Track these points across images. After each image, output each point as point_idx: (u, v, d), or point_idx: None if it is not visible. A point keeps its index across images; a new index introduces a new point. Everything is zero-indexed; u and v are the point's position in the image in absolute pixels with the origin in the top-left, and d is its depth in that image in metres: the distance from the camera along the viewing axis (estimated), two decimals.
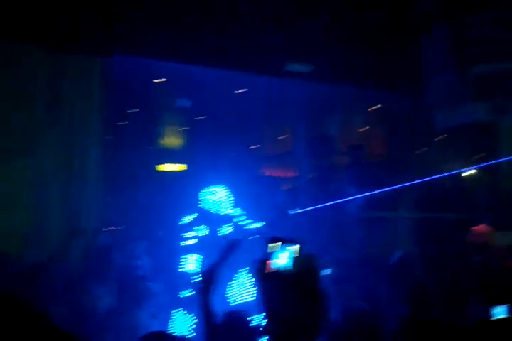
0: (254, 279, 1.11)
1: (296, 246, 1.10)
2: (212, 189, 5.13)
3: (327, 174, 7.22)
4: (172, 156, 9.40)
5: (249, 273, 4.78)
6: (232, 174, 7.61)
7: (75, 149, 5.59)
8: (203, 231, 4.85)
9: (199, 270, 4.53)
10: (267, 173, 9.46)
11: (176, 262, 4.94)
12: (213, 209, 4.93)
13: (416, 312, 3.10)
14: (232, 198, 5.05)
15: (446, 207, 5.77)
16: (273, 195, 7.58)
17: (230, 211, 5.04)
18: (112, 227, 7.35)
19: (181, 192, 7.68)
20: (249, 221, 5.06)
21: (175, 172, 9.34)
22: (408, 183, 5.41)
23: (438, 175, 5.50)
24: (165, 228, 6.22)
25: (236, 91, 6.92)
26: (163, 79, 6.72)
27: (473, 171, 5.04)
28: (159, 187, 8.37)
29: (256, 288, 1.10)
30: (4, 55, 5.05)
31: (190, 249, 4.88)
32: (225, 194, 5.01)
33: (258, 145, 9.25)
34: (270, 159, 9.67)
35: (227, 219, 5.03)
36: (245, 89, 7.04)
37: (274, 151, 9.58)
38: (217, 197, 4.99)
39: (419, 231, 5.91)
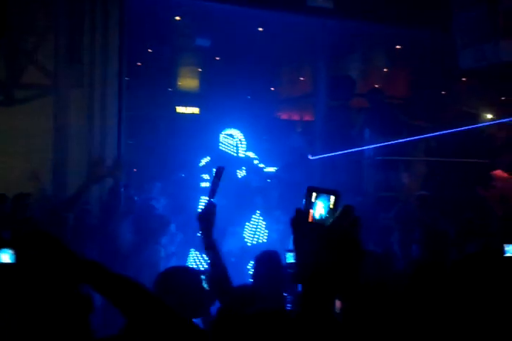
0: (292, 227, 1.08)
1: (332, 197, 1.07)
2: (229, 132, 5.11)
3: (346, 117, 7.11)
4: (189, 98, 9.35)
5: (262, 215, 4.84)
6: (249, 117, 7.57)
7: (95, 89, 5.56)
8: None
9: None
10: (284, 116, 9.39)
11: (193, 203, 5.05)
12: (229, 152, 4.95)
13: (431, 255, 3.12)
14: (247, 141, 5.03)
15: (465, 152, 5.70)
16: (289, 138, 7.54)
17: (246, 154, 5.05)
18: (133, 169, 7.51)
19: (198, 134, 7.72)
20: (263, 165, 5.08)
21: (192, 114, 9.33)
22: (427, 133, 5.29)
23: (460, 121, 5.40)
24: (184, 169, 6.31)
25: (257, 29, 6.69)
26: (180, 17, 6.53)
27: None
28: (177, 128, 8.40)
29: (292, 236, 1.10)
30: None
31: (206, 191, 4.94)
32: (241, 137, 5.00)
33: (274, 88, 9.12)
34: (288, 101, 9.55)
35: (242, 161, 5.04)
36: (263, 28, 6.81)
37: (292, 93, 9.43)
38: (233, 139, 4.98)
39: (438, 176, 5.88)
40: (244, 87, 8.13)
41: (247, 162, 5.12)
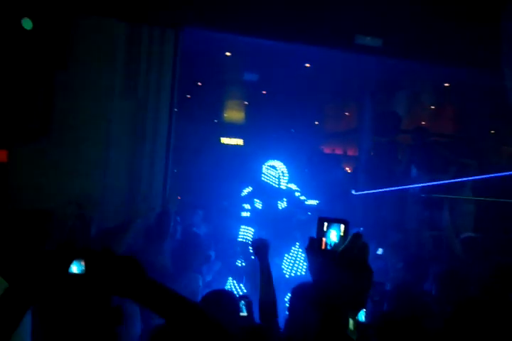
0: (306, 255, 1.21)
1: (342, 226, 1.19)
2: (271, 163, 5.16)
3: (390, 153, 7.05)
4: (234, 130, 9.55)
5: (301, 248, 4.82)
6: (292, 149, 7.63)
7: (147, 122, 5.78)
8: (258, 204, 4.93)
9: (250, 241, 4.63)
10: (328, 150, 9.41)
11: (233, 232, 5.08)
12: (271, 183, 4.98)
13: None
14: (290, 173, 5.05)
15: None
16: (332, 172, 7.51)
17: (288, 186, 5.07)
18: (178, 196, 7.65)
19: (241, 165, 7.82)
20: (304, 197, 5.06)
21: (236, 145, 9.51)
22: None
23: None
24: (227, 198, 6.38)
25: (304, 65, 6.84)
26: (230, 53, 6.78)
27: None
28: (221, 159, 8.56)
29: (307, 263, 1.20)
30: (88, 29, 5.28)
31: (246, 221, 4.97)
32: (284, 169, 5.03)
33: (318, 122, 9.19)
34: (332, 136, 9.58)
35: (283, 193, 5.05)
36: (310, 64, 6.95)
37: (336, 128, 9.47)
38: (276, 171, 5.02)
39: (481, 217, 5.69)
40: (288, 121, 8.25)
41: (288, 194, 5.13)
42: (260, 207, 4.92)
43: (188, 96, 8.10)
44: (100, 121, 5.55)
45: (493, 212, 5.57)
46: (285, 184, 5.02)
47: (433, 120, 7.29)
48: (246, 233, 4.91)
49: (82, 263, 1.24)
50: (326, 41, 5.93)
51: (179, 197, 7.70)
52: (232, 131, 9.53)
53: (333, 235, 1.17)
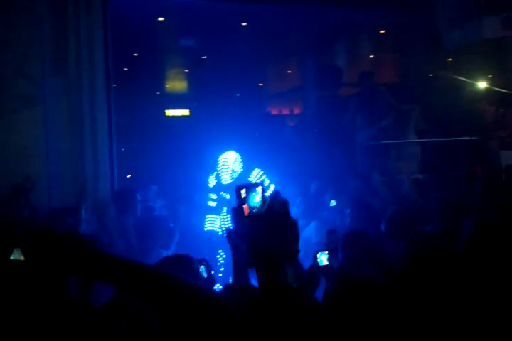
0: (233, 224, 1.27)
1: (259, 188, 1.24)
2: (226, 155, 5.04)
3: (336, 106, 7.14)
4: (179, 100, 9.35)
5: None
6: (240, 115, 7.58)
7: (83, 97, 5.55)
8: (225, 195, 4.90)
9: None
10: (275, 112, 9.42)
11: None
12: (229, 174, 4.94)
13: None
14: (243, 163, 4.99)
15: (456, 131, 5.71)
16: (283, 132, 7.54)
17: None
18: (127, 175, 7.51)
19: (190, 137, 7.73)
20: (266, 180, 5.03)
21: (183, 116, 9.34)
22: None
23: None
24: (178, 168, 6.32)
25: (241, 24, 6.71)
26: (163, 18, 6.54)
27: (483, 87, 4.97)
28: (169, 132, 8.40)
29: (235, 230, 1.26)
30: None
31: (212, 210, 4.97)
32: (238, 160, 4.97)
33: (263, 84, 9.13)
34: (278, 96, 9.57)
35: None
36: (246, 23, 6.83)
37: (281, 88, 9.45)
38: (231, 163, 4.96)
39: (430, 156, 5.91)
40: (232, 85, 8.14)
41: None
42: (228, 198, 4.91)
43: (126, 69, 7.81)
44: (33, 103, 5.28)
45: (437, 152, 5.79)
46: (240, 169, 4.97)
47: (373, 69, 7.39)
48: (213, 222, 4.93)
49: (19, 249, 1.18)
50: None
51: (128, 176, 7.58)
52: (177, 101, 9.32)
53: (256, 198, 1.22)
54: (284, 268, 1.18)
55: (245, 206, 1.21)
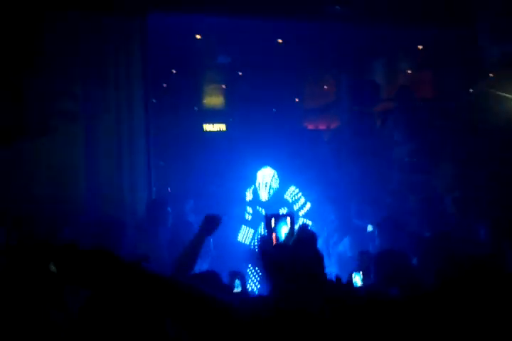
0: (260, 253, 1.24)
1: (288, 218, 1.24)
2: (264, 171, 5.06)
3: (373, 122, 7.02)
4: (216, 116, 9.46)
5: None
6: (275, 130, 7.57)
7: (122, 113, 5.67)
8: (260, 209, 4.91)
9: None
10: (311, 127, 9.37)
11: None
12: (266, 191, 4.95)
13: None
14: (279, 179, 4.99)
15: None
16: (318, 150, 7.48)
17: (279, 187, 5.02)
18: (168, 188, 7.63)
19: (227, 152, 7.77)
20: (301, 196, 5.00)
21: (219, 131, 9.43)
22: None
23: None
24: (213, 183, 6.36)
25: (276, 41, 6.75)
26: (200, 36, 6.66)
27: None
28: (206, 147, 8.49)
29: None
30: (53, 25, 5.17)
31: (247, 222, 4.99)
32: (275, 176, 4.98)
33: (299, 99, 9.12)
34: (314, 111, 9.53)
35: (283, 203, 5.02)
36: (282, 40, 6.86)
37: (317, 103, 9.41)
38: (269, 179, 4.98)
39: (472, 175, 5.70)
40: (269, 100, 8.17)
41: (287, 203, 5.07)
42: (263, 213, 4.92)
43: (164, 85, 7.98)
44: (75, 120, 5.44)
45: (473, 171, 5.59)
46: (276, 185, 4.98)
47: (411, 85, 7.26)
48: (245, 234, 4.95)
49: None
50: (295, 13, 5.85)
51: (169, 189, 7.68)
52: (214, 116, 9.44)
53: (283, 230, 1.23)
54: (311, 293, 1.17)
55: (274, 235, 1.21)
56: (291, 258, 1.17)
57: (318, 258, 1.21)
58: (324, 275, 1.23)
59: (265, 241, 1.23)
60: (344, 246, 4.56)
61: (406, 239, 3.40)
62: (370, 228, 4.36)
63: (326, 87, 8.86)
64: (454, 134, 5.89)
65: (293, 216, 1.25)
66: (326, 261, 1.35)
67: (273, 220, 1.23)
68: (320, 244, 4.51)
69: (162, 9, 5.61)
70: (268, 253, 1.20)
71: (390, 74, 8.00)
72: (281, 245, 1.21)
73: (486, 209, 4.38)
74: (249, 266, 4.60)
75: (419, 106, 6.37)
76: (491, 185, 5.05)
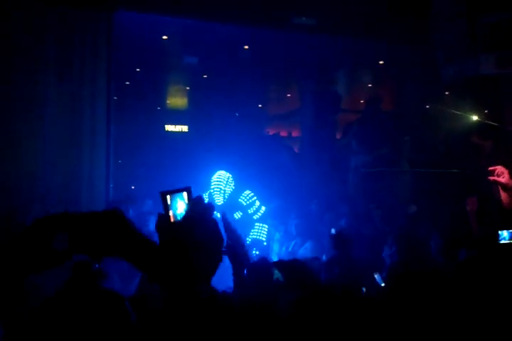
0: (157, 232, 1.18)
1: (185, 194, 1.16)
2: (217, 175, 5.08)
3: (332, 131, 7.20)
4: (178, 116, 9.41)
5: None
6: (237, 134, 7.63)
7: (84, 109, 5.60)
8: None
9: None
10: (273, 133, 9.48)
11: None
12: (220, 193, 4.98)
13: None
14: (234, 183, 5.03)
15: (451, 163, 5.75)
16: (278, 154, 7.57)
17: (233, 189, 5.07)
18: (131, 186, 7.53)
19: (185, 154, 7.74)
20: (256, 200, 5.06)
21: (181, 132, 9.39)
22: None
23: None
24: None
25: (243, 47, 6.81)
26: (167, 37, 6.64)
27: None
28: (166, 147, 8.43)
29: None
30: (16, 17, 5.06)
31: None
32: (230, 180, 5.01)
33: (262, 105, 9.21)
34: (277, 118, 9.65)
35: (237, 207, 5.08)
36: (249, 46, 6.92)
37: (280, 110, 9.53)
38: (223, 183, 5.01)
39: (425, 185, 5.95)
40: (232, 105, 8.22)
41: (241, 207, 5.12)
42: (219, 216, 4.97)
43: (127, 83, 7.88)
44: (35, 112, 5.32)
45: (428, 181, 5.83)
46: (231, 189, 5.02)
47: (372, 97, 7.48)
48: None
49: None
50: (263, 22, 5.94)
51: (133, 187, 7.59)
52: (176, 117, 9.38)
53: (181, 206, 1.15)
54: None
55: (171, 212, 1.14)
56: (187, 234, 1.10)
57: (216, 230, 1.13)
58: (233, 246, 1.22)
59: (162, 220, 1.13)
60: (305, 250, 4.67)
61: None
62: (333, 231, 4.49)
63: (289, 94, 9.00)
64: (409, 146, 6.13)
65: (190, 191, 1.17)
66: None
67: (168, 197, 1.14)
68: (278, 248, 4.55)
69: (129, 8, 5.58)
70: (164, 231, 1.12)
71: (351, 86, 8.22)
72: (177, 222, 1.13)
73: (438, 221, 4.57)
74: None
75: (381, 118, 6.56)
76: (444, 197, 5.28)
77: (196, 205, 1.14)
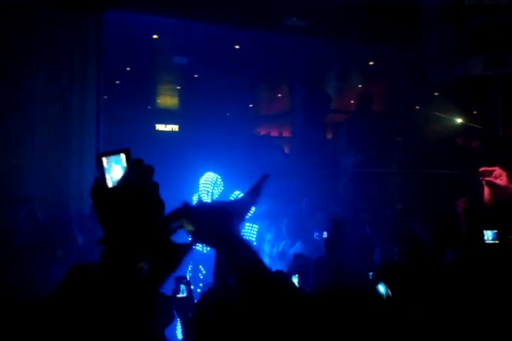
0: (92, 198, 0.99)
1: (122, 156, 1.02)
2: (205, 177, 5.07)
3: (323, 132, 7.23)
4: (169, 116, 9.41)
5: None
6: (228, 134, 7.64)
7: (73, 108, 5.57)
8: None
9: None
10: (264, 133, 9.51)
11: None
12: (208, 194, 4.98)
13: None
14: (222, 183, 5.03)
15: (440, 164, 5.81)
16: (269, 154, 7.58)
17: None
18: None
19: (176, 154, 7.74)
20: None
21: (172, 131, 9.39)
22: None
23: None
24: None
25: (234, 47, 6.82)
26: (157, 36, 6.63)
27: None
28: (157, 147, 8.42)
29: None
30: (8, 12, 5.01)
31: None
32: (218, 181, 5.00)
33: (253, 105, 9.24)
34: (267, 118, 9.68)
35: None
36: (240, 46, 6.94)
37: (271, 110, 9.57)
38: (211, 185, 5.00)
39: (414, 187, 6.01)
40: (223, 104, 8.22)
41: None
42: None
43: (118, 82, 7.86)
44: (24, 113, 5.28)
45: (417, 182, 5.89)
46: (219, 191, 5.01)
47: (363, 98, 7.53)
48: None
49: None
50: (255, 23, 5.96)
51: None
52: (167, 117, 9.38)
53: (118, 170, 1.01)
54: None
55: (108, 176, 1.01)
56: (124, 200, 0.97)
57: (156, 194, 1.00)
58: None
59: (98, 185, 1.00)
60: (296, 249, 4.69)
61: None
62: (325, 235, 4.51)
63: (279, 95, 9.03)
64: (400, 148, 6.18)
65: (129, 152, 1.02)
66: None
67: (104, 159, 1.01)
68: (269, 250, 4.56)
69: (119, 8, 5.57)
70: (100, 198, 1.00)
71: (341, 87, 8.26)
72: (114, 187, 1.00)
73: (428, 221, 4.62)
74: (189, 268, 4.63)
75: (372, 116, 6.61)
76: (434, 197, 5.34)
77: (135, 166, 1.00)
